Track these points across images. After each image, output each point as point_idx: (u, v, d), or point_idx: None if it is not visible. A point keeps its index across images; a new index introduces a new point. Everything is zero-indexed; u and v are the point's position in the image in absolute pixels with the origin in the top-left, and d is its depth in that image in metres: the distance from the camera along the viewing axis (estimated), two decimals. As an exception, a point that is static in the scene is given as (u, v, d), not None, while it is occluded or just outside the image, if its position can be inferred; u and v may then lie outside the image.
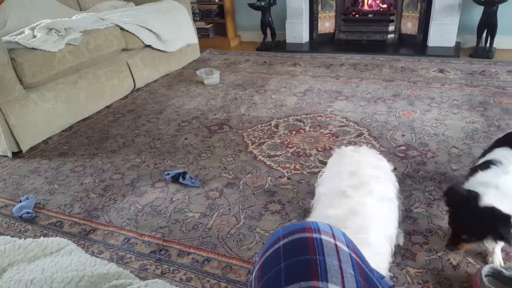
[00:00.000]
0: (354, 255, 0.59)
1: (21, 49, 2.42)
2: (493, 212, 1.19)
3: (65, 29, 2.66)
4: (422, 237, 1.54)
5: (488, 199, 1.21)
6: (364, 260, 0.61)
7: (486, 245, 1.35)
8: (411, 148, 2.18)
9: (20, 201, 1.92)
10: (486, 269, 1.29)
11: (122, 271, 0.81)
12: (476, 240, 1.26)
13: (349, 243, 0.61)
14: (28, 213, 1.83)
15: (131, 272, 1.40)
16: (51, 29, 2.61)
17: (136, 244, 1.64)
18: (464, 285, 1.33)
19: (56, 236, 1.53)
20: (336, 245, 0.58)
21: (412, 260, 1.44)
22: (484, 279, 1.26)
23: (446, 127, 2.37)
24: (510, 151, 1.37)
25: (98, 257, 1.52)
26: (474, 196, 1.23)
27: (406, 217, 1.64)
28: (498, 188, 1.24)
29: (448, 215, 1.36)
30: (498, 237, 1.21)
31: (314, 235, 0.59)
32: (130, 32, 3.23)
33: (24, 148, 2.45)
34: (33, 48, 2.45)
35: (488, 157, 1.41)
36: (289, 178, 2.00)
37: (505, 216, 1.17)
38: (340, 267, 0.54)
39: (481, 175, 1.32)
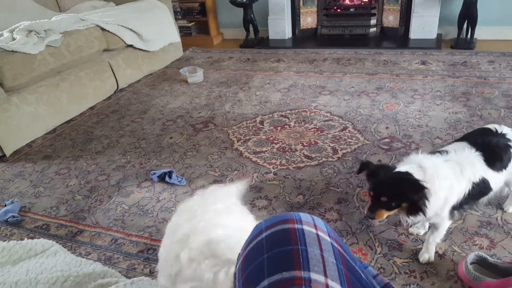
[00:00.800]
0: (336, 245, 0.59)
1: (1, 52, 2.37)
2: (407, 175, 1.22)
3: (44, 30, 2.63)
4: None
5: (407, 169, 1.25)
6: (347, 249, 0.62)
7: (408, 220, 1.31)
8: (395, 140, 2.21)
9: (5, 205, 1.89)
10: (471, 257, 1.32)
11: (107, 270, 0.81)
12: (395, 203, 1.26)
13: (331, 233, 0.62)
14: (13, 217, 1.81)
15: (120, 272, 1.40)
16: (31, 31, 2.57)
17: (124, 244, 1.63)
18: (450, 273, 1.35)
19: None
20: (317, 235, 0.59)
21: (398, 250, 1.46)
22: (470, 266, 1.28)
23: (429, 118, 2.40)
24: (464, 145, 1.38)
25: (85, 258, 1.50)
26: (388, 166, 1.30)
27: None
28: (420, 166, 1.25)
29: (368, 184, 1.33)
30: (412, 199, 1.22)
31: (296, 226, 0.59)
32: (111, 32, 3.19)
33: (8, 152, 2.42)
34: (12, 51, 2.41)
35: (445, 147, 1.42)
36: (275, 174, 2.00)
37: (417, 181, 1.19)
38: (322, 256, 0.55)
39: (415, 156, 1.34)
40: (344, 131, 2.35)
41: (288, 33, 4.56)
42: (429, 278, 1.33)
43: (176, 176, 2.02)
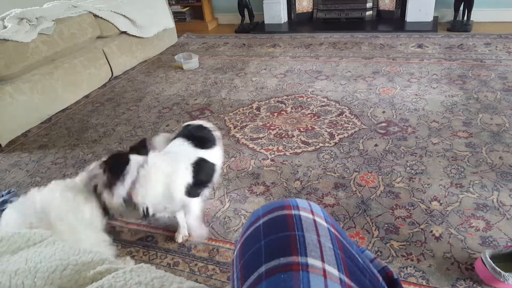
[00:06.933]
0: (333, 230, 0.60)
1: (-8, 41, 2.35)
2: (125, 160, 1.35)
3: (36, 18, 2.59)
4: (404, 211, 1.57)
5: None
6: (344, 234, 0.62)
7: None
8: (392, 124, 2.21)
9: (2, 196, 1.89)
10: (488, 253, 1.25)
11: (106, 258, 0.81)
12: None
13: (328, 218, 0.62)
14: (10, 207, 1.81)
15: (119, 260, 1.40)
16: (22, 18, 2.54)
17: (123, 232, 1.64)
18: (446, 255, 1.36)
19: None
20: (314, 220, 0.59)
21: (395, 233, 1.47)
22: (490, 261, 1.22)
23: (426, 101, 2.40)
24: (180, 141, 1.57)
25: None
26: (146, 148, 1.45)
27: (389, 192, 1.67)
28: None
29: None
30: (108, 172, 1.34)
31: (293, 212, 0.59)
32: (104, 19, 3.15)
33: (3, 142, 2.41)
34: (4, 39, 2.38)
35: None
36: (272, 160, 2.00)
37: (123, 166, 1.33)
38: (319, 242, 0.55)
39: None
40: (340, 116, 2.34)
41: (283, 18, 4.52)
42: (426, 261, 1.35)
43: (173, 163, 2.01)
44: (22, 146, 2.42)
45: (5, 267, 0.76)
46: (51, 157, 2.27)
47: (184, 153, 1.50)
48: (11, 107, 2.44)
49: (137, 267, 0.77)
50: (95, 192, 1.37)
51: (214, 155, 1.58)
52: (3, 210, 1.78)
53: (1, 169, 2.19)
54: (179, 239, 1.55)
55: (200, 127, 1.66)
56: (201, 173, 1.48)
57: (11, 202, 1.60)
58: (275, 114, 2.46)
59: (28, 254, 0.82)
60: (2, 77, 2.39)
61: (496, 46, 3.15)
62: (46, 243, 0.88)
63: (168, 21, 3.97)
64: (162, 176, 1.38)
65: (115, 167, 1.33)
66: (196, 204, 1.49)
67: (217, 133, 1.67)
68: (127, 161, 1.34)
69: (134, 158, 1.36)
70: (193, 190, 1.44)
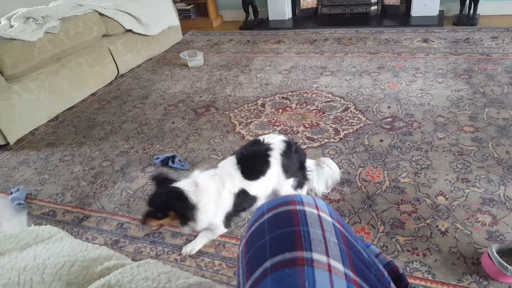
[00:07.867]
0: (337, 225, 0.60)
1: (-1, 40, 2.37)
2: (175, 190, 1.35)
3: (42, 17, 2.61)
4: (410, 206, 1.57)
5: (182, 184, 1.39)
6: (348, 228, 0.63)
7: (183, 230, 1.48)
8: (397, 119, 2.20)
9: (11, 193, 1.91)
10: (495, 247, 1.26)
11: (113, 254, 0.82)
12: (161, 214, 1.37)
13: (333, 213, 0.62)
14: (20, 204, 1.83)
15: (126, 255, 1.42)
16: (28, 18, 2.56)
17: (130, 228, 1.65)
18: (452, 250, 1.36)
19: (50, 225, 1.54)
20: (319, 215, 0.59)
21: (401, 228, 1.47)
22: (496, 255, 1.22)
23: (431, 96, 2.39)
24: (233, 158, 1.51)
25: (92, 243, 1.53)
26: (170, 179, 1.42)
27: (394, 187, 1.67)
28: (194, 182, 1.41)
29: None
30: (176, 211, 1.36)
31: (298, 207, 0.60)
32: (109, 17, 3.17)
33: (11, 140, 2.43)
34: (11, 39, 2.40)
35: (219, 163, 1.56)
36: (278, 156, 2.01)
37: (183, 195, 1.33)
38: (324, 237, 0.55)
39: (194, 172, 1.49)
40: (345, 112, 2.34)
41: (288, 14, 4.51)
42: (432, 255, 1.35)
43: (179, 160, 2.03)
44: (30, 144, 2.44)
45: (14, 264, 0.77)
46: (58, 154, 2.29)
47: (230, 180, 1.47)
48: (19, 106, 2.46)
49: (144, 263, 0.78)
50: None
51: (260, 185, 1.49)
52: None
53: (9, 167, 2.22)
54: (186, 251, 1.49)
55: (260, 151, 1.51)
56: (239, 206, 1.49)
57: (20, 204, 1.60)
58: (280, 110, 2.46)
59: (37, 251, 0.83)
60: (9, 76, 2.41)
61: (503, 40, 3.12)
62: (54, 240, 0.90)
63: (172, 19, 3.97)
64: (213, 201, 1.41)
65: (180, 204, 1.34)
66: (220, 229, 1.50)
67: (278, 153, 1.51)
68: (183, 195, 1.33)
69: (185, 187, 1.37)
70: (226, 219, 1.48)
